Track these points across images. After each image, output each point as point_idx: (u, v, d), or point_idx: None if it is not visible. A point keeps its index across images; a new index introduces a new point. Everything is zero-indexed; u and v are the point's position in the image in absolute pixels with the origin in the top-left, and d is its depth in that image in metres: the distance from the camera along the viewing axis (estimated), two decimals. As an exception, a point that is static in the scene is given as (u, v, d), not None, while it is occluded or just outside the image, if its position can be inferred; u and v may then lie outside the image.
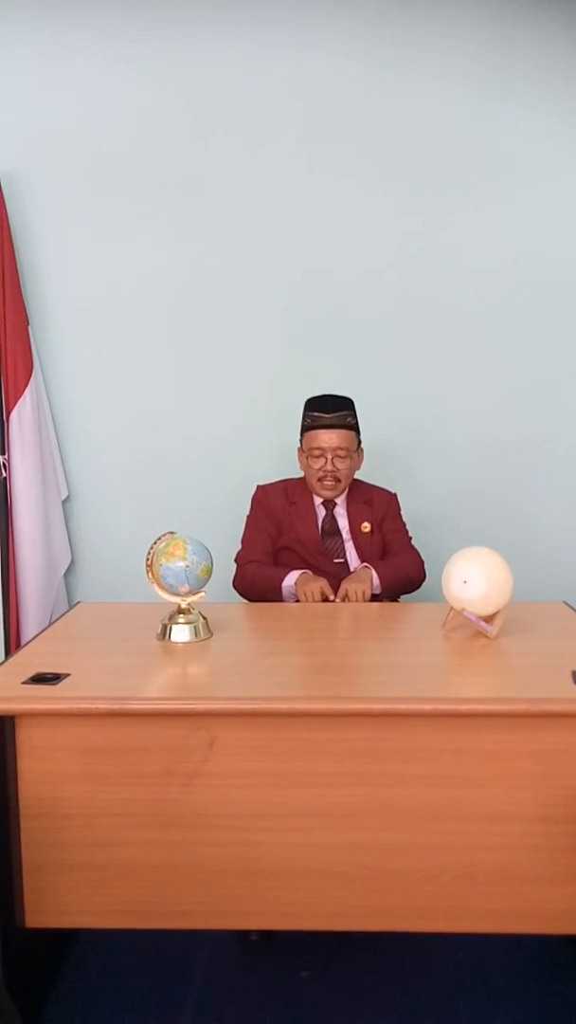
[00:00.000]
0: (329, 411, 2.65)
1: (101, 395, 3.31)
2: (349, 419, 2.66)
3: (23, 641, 3.12)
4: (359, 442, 2.70)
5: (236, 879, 1.82)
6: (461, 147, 3.17)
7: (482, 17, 3.08)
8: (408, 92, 3.13)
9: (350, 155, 3.18)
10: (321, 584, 2.53)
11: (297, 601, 2.56)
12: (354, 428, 2.67)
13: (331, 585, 2.56)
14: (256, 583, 2.63)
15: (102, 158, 3.18)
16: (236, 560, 2.72)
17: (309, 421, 2.68)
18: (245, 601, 2.67)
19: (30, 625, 3.16)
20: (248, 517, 2.77)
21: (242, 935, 2.11)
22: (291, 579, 2.57)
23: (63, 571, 3.31)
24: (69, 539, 3.34)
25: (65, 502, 3.32)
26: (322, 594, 2.52)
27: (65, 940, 2.14)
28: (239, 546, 2.76)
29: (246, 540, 2.75)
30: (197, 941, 2.15)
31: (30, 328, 3.15)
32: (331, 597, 2.53)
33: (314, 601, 2.51)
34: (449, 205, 3.20)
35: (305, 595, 2.52)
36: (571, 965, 2.09)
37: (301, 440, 2.71)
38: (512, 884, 1.81)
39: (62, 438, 3.31)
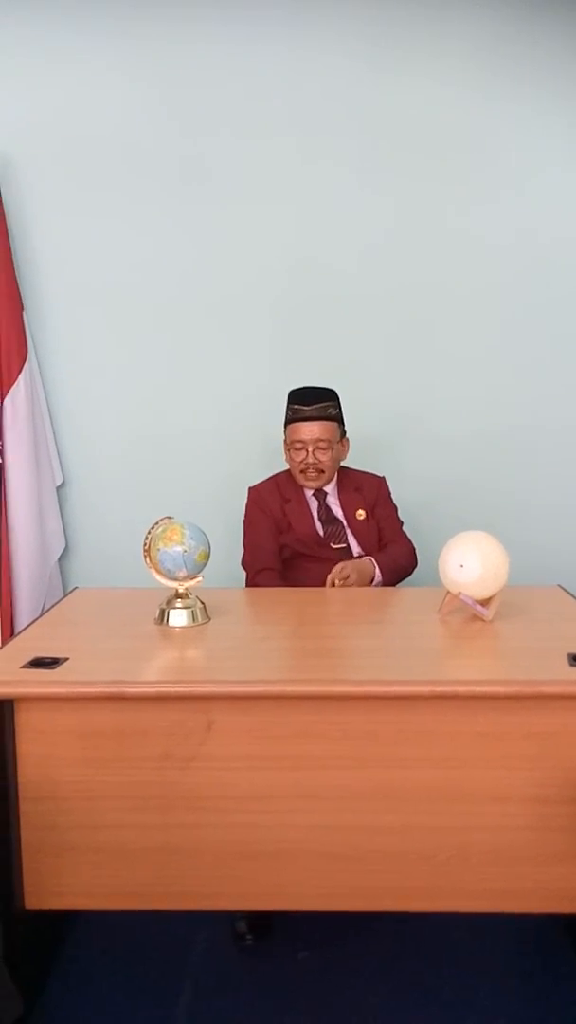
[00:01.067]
0: (309, 403, 2.65)
1: (95, 381, 3.30)
2: (330, 410, 2.66)
3: (17, 626, 3.14)
4: (342, 432, 2.71)
5: (234, 861, 1.84)
6: (455, 140, 3.15)
7: (480, 11, 3.06)
8: (405, 83, 3.11)
9: (342, 146, 3.16)
10: (336, 570, 2.54)
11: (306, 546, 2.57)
12: (336, 419, 2.67)
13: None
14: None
15: (98, 145, 3.15)
16: (243, 565, 2.73)
17: (290, 414, 2.69)
18: (238, 584, 2.67)
19: (24, 611, 3.16)
20: (245, 521, 2.76)
21: (237, 937, 2.12)
22: None
23: (57, 557, 3.31)
24: (63, 525, 3.34)
25: (60, 488, 3.32)
26: (333, 579, 2.53)
27: (63, 922, 2.16)
28: (233, 534, 2.76)
29: (249, 545, 2.73)
30: (195, 922, 2.17)
31: (24, 314, 3.14)
32: (340, 582, 2.53)
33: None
34: (442, 198, 3.18)
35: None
36: (564, 944, 2.12)
37: (285, 433, 2.72)
38: (507, 864, 1.83)
39: (56, 424, 3.30)
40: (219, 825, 1.82)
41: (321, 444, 2.64)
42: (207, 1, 3.07)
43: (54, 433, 3.29)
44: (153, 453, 3.33)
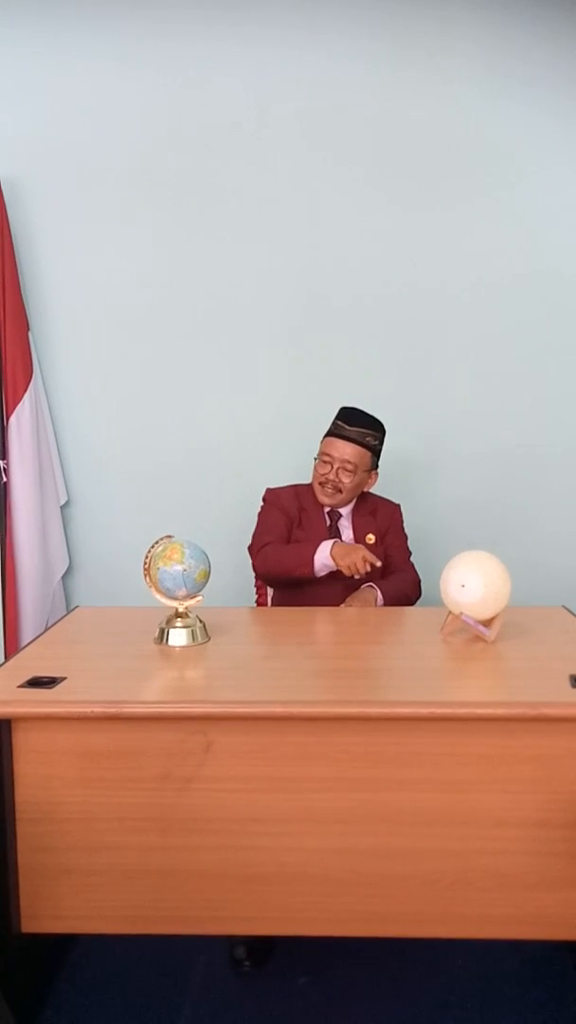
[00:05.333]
0: (352, 424, 2.66)
1: (101, 401, 3.32)
2: (368, 439, 2.66)
3: (21, 644, 3.13)
4: (374, 464, 2.71)
5: (233, 884, 1.81)
6: (468, 163, 3.19)
7: (482, 20, 3.09)
8: (412, 101, 3.15)
9: (358, 168, 3.19)
10: (363, 553, 2.45)
11: (336, 572, 2.49)
12: (372, 449, 2.67)
13: (339, 594, 2.57)
14: (283, 559, 2.57)
15: (104, 165, 3.19)
16: (250, 549, 2.69)
17: (332, 427, 2.71)
18: (244, 605, 2.66)
19: (28, 629, 3.15)
20: (260, 514, 2.75)
21: (235, 962, 2.09)
22: (324, 550, 2.50)
23: (60, 575, 3.31)
24: (67, 543, 3.34)
25: (64, 507, 3.32)
26: (366, 563, 2.45)
27: (61, 946, 2.13)
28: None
29: (259, 529, 2.70)
30: (195, 947, 2.14)
31: (30, 333, 3.16)
32: (378, 563, 2.49)
33: (359, 574, 2.46)
34: (448, 219, 3.21)
35: (349, 568, 2.45)
36: (569, 970, 2.08)
37: (320, 443, 2.72)
38: (509, 889, 1.80)
39: (61, 443, 3.32)
40: (218, 847, 1.80)
41: (348, 466, 2.64)
42: (214, 22, 3.10)
43: (59, 452, 3.30)
44: (157, 472, 3.34)
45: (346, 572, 2.47)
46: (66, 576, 3.36)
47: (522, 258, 3.22)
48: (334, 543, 2.53)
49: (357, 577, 2.49)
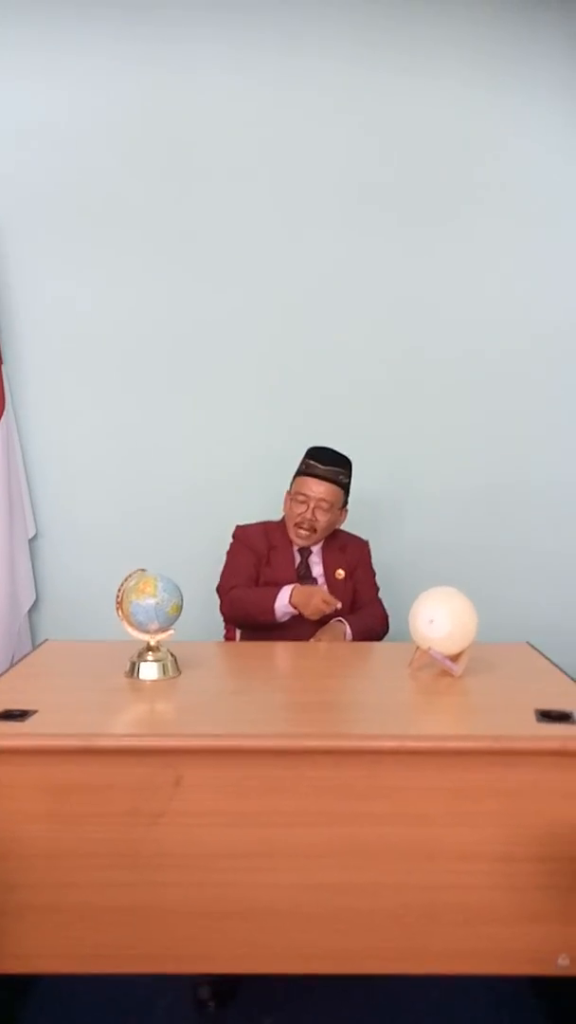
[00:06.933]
0: (325, 463, 2.71)
1: (71, 435, 3.33)
2: (341, 477, 2.72)
3: (-14, 679, 3.10)
4: (345, 501, 2.76)
5: (201, 921, 1.80)
6: (452, 206, 3.28)
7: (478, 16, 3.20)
8: (402, 123, 3.25)
9: (335, 203, 3.26)
10: (321, 595, 2.55)
11: (295, 615, 2.58)
12: (343, 487, 2.73)
13: (308, 629, 2.60)
14: (246, 605, 2.63)
15: (79, 197, 3.21)
16: (218, 590, 2.73)
17: (303, 467, 2.75)
18: (213, 640, 2.67)
19: (-7, 663, 3.12)
20: (229, 552, 2.79)
21: (199, 1003, 2.08)
22: (284, 598, 2.57)
23: (27, 609, 3.29)
24: (34, 577, 3.32)
25: (32, 540, 3.31)
26: (327, 604, 2.54)
27: (20, 989, 2.09)
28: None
29: (227, 570, 2.75)
30: (155, 988, 2.11)
31: (3, 366, 3.17)
32: (337, 605, 2.56)
33: (324, 614, 2.55)
34: (420, 264, 3.29)
35: (313, 613, 2.55)
36: (533, 1005, 2.10)
37: (292, 483, 2.76)
38: (475, 924, 1.81)
39: (31, 476, 3.31)
40: (187, 884, 1.79)
41: (323, 504, 2.68)
42: (193, 38, 3.15)
43: (28, 485, 3.29)
44: (126, 507, 3.35)
45: (311, 618, 2.56)
46: (32, 610, 3.34)
47: (492, 302, 3.31)
48: (293, 589, 2.59)
49: (327, 613, 2.56)
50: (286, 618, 2.58)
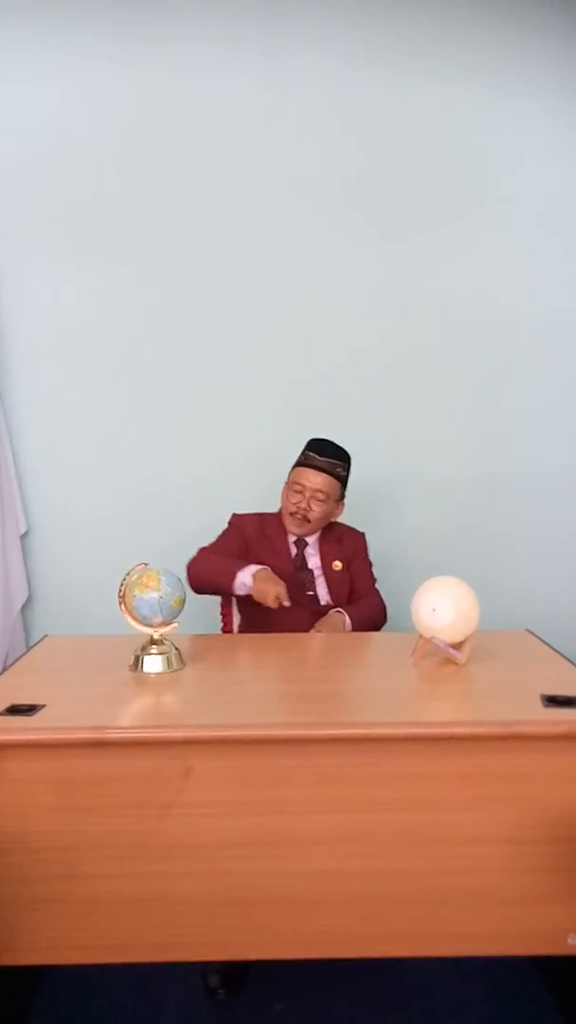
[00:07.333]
0: (324, 455, 2.73)
1: (63, 430, 3.31)
2: (338, 469, 2.73)
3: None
4: (342, 494, 2.77)
5: (211, 909, 1.81)
6: (448, 194, 3.30)
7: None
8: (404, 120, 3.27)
9: (331, 197, 3.27)
10: (279, 590, 2.50)
11: (248, 596, 2.54)
12: (340, 480, 2.74)
13: (306, 620, 2.60)
14: (211, 565, 2.60)
15: (69, 194, 3.20)
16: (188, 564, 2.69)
17: (302, 458, 2.76)
18: (216, 633, 2.67)
19: (-12, 660, 3.12)
20: (219, 536, 2.78)
21: (209, 991, 2.09)
22: (247, 572, 2.55)
23: (20, 606, 3.27)
24: (27, 574, 3.31)
25: (23, 537, 3.30)
26: (277, 600, 2.50)
27: (32, 980, 2.10)
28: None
29: (210, 545, 2.74)
30: (166, 977, 2.13)
31: (-9, 362, 3.16)
32: (286, 603, 2.51)
33: (266, 604, 2.49)
34: (415, 250, 3.31)
35: (260, 593, 2.50)
36: (540, 986, 2.14)
37: (290, 473, 2.77)
38: (484, 907, 1.83)
39: (22, 472, 3.30)
40: (198, 873, 1.80)
41: (319, 495, 2.69)
42: (185, 40, 3.15)
43: (19, 482, 3.28)
44: (117, 502, 3.34)
45: (255, 597, 2.52)
46: (25, 607, 3.32)
47: (489, 296, 3.34)
48: (261, 569, 2.57)
49: (268, 605, 2.50)
50: (241, 590, 2.55)
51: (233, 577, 2.55)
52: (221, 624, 2.87)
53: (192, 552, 2.69)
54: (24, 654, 2.31)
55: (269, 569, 2.59)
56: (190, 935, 1.82)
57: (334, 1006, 2.06)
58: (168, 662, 2.10)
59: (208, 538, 2.80)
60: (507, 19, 3.21)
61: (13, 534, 3.23)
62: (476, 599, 2.12)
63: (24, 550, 3.30)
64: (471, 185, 3.30)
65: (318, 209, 3.27)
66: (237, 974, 2.12)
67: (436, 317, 3.34)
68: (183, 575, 2.35)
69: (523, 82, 3.26)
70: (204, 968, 2.11)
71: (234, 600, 2.80)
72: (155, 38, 3.15)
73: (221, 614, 2.86)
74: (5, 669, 2.16)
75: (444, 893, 1.82)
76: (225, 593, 2.65)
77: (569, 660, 2.20)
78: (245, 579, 2.54)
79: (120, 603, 2.09)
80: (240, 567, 2.57)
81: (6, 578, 3.18)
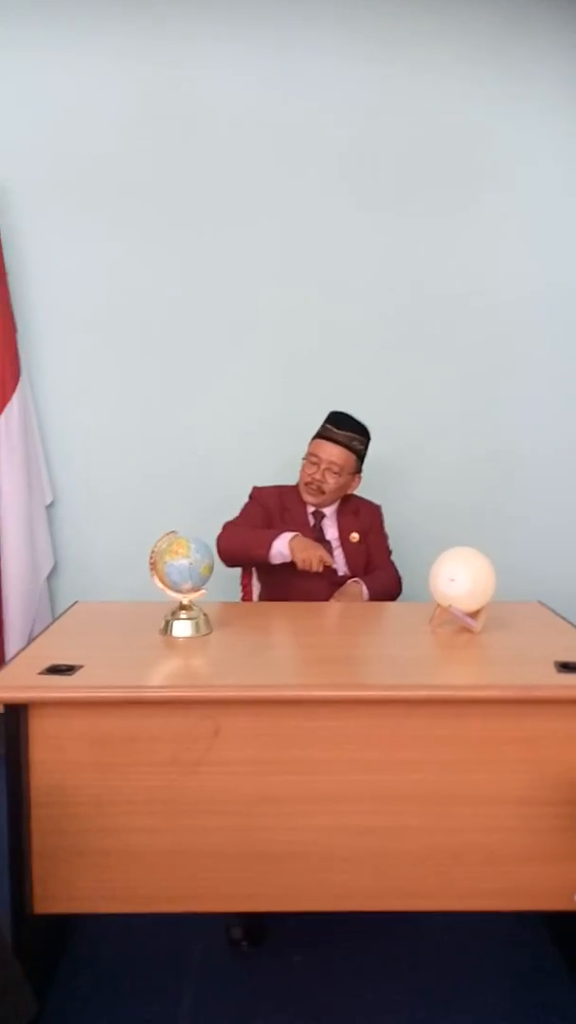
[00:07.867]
0: (341, 428, 2.78)
1: (86, 402, 3.38)
2: (355, 443, 2.78)
3: (7, 642, 3.18)
4: (358, 468, 2.82)
5: (238, 862, 1.91)
6: (461, 175, 3.33)
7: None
8: (407, 103, 3.29)
9: (349, 178, 3.31)
10: (321, 553, 2.57)
11: (271, 566, 2.61)
12: (357, 453, 2.79)
13: (325, 590, 2.68)
14: (245, 537, 2.66)
15: (96, 171, 3.25)
16: (217, 539, 2.74)
17: (321, 430, 2.82)
18: (239, 601, 2.75)
19: (14, 628, 3.20)
20: (242, 508, 2.85)
21: (233, 943, 2.19)
22: (283, 540, 2.60)
23: (46, 574, 3.36)
24: (52, 543, 3.39)
25: (49, 507, 3.37)
26: (322, 563, 2.57)
27: (65, 931, 2.20)
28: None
29: (236, 519, 2.80)
30: (192, 928, 2.23)
31: (18, 335, 3.21)
32: (333, 565, 2.59)
33: (311, 569, 2.55)
34: (435, 226, 3.35)
35: (304, 561, 2.56)
36: (547, 940, 2.23)
37: (309, 445, 2.83)
38: (499, 864, 1.92)
39: (47, 444, 3.37)
40: (224, 828, 1.89)
41: (333, 467, 2.75)
42: (200, 23, 3.19)
43: (45, 453, 3.35)
44: (141, 473, 3.41)
45: (300, 565, 2.57)
46: (50, 576, 3.41)
47: (502, 272, 3.38)
48: (295, 536, 2.63)
49: (313, 570, 2.56)
50: (278, 559, 2.61)
51: (269, 547, 2.61)
52: (241, 594, 2.95)
53: (214, 521, 2.75)
54: (58, 618, 2.39)
55: (300, 534, 2.65)
56: (217, 887, 1.91)
57: (349, 960, 2.15)
58: (197, 627, 2.18)
59: (228, 509, 2.87)
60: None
61: (40, 504, 3.31)
62: (492, 570, 2.20)
63: (49, 520, 3.38)
64: (482, 168, 3.34)
65: (344, 193, 3.31)
66: (258, 927, 2.22)
67: (451, 298, 3.38)
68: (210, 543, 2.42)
69: (535, 65, 3.28)
70: (228, 921, 2.21)
71: (254, 570, 2.88)
72: (176, 19, 3.18)
73: (241, 584, 2.94)
74: (38, 634, 2.24)
75: (459, 850, 1.92)
76: (261, 563, 2.70)
77: (581, 630, 2.28)
78: (282, 548, 2.60)
79: (151, 569, 2.17)
80: (275, 536, 2.63)
81: (33, 547, 3.26)
